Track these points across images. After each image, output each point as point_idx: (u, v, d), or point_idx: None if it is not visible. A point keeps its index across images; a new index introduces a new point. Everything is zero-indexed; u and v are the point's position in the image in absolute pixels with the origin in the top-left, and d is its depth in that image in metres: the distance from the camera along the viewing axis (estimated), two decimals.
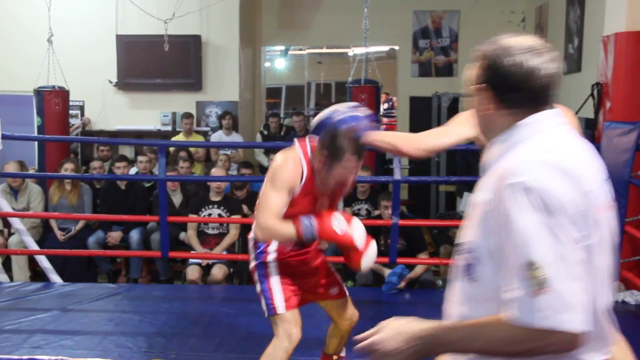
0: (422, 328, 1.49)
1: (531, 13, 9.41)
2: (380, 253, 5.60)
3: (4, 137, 5.40)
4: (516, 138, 1.51)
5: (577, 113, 6.04)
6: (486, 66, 1.52)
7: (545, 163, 1.42)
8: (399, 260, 5.29)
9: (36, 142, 7.69)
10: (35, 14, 8.12)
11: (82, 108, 8.97)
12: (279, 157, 3.01)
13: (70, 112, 8.01)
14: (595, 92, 5.46)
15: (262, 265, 3.15)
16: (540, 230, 1.37)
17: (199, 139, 8.53)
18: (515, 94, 1.50)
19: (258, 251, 3.17)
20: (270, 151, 7.91)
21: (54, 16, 7.46)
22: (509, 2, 9.79)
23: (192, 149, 7.80)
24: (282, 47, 13.98)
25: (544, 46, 1.51)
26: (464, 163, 7.61)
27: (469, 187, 7.20)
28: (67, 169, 6.37)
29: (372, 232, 5.76)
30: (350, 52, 13.53)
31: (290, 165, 2.94)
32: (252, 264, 3.21)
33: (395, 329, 1.51)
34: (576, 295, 1.36)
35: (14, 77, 8.57)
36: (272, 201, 2.90)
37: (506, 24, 9.77)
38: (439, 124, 8.68)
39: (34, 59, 7.59)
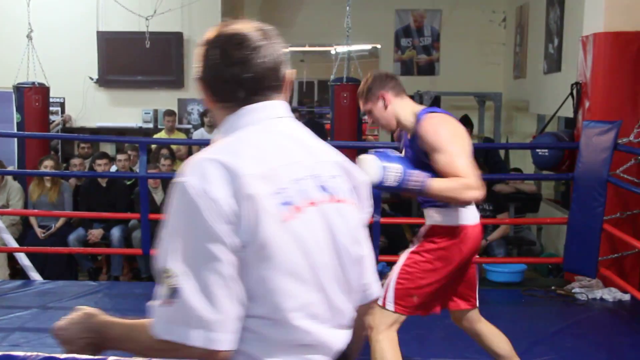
0: (98, 321, 1.39)
1: (512, 13, 9.48)
2: None
3: None
4: (221, 132, 1.41)
5: (556, 112, 6.12)
6: (199, 57, 1.43)
7: (211, 163, 1.28)
8: (380, 258, 5.32)
9: (16, 139, 7.62)
10: (14, 9, 8.05)
11: (62, 105, 8.90)
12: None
13: (51, 108, 7.94)
14: (574, 92, 5.52)
15: None
16: (180, 235, 1.25)
17: (181, 136, 8.50)
18: (223, 85, 1.40)
19: None
20: None
21: (34, 11, 7.39)
22: (490, 2, 9.86)
23: (174, 147, 7.77)
24: None
25: (259, 34, 1.40)
26: None
27: None
28: (47, 166, 6.32)
29: None
30: (333, 50, 13.53)
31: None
32: None
33: (78, 318, 1.41)
34: (208, 311, 1.22)
35: None
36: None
37: (487, 24, 9.85)
38: None
39: (13, 54, 7.50)
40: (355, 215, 1.45)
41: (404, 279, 2.90)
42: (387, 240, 5.58)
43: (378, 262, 5.34)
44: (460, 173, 2.66)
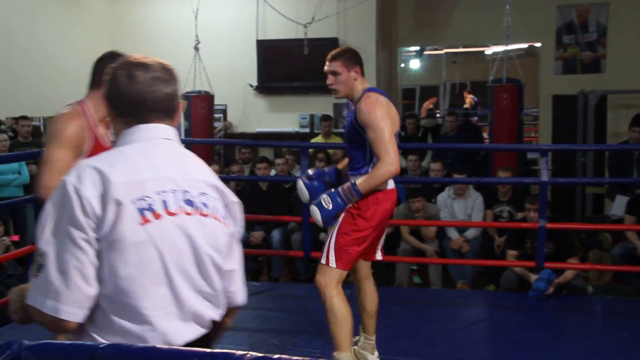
0: (22, 289, 1.65)
1: None
2: (526, 257, 5.40)
3: None
4: (116, 144, 1.70)
5: None
6: (107, 78, 1.72)
7: (88, 166, 1.57)
8: (546, 264, 5.07)
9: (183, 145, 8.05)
10: (183, 22, 8.53)
11: (224, 111, 9.31)
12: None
13: (214, 115, 8.33)
14: None
15: None
16: (52, 222, 1.53)
17: (338, 140, 8.59)
18: (115, 105, 1.69)
19: None
20: (407, 152, 7.83)
21: (200, 24, 7.79)
22: None
23: (330, 151, 7.88)
24: (417, 48, 13.84)
25: (147, 66, 1.69)
26: (616, 163, 7.14)
27: (621, 189, 6.77)
28: (213, 170, 6.60)
29: (518, 234, 5.56)
30: (488, 50, 13.16)
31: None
32: None
33: (15, 291, 1.69)
34: (61, 287, 1.49)
35: None
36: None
37: None
38: (585, 123, 8.24)
39: (182, 65, 7.94)
40: (221, 230, 1.71)
41: (341, 239, 3.47)
42: (554, 246, 5.29)
43: (543, 268, 5.08)
44: (383, 151, 3.30)
